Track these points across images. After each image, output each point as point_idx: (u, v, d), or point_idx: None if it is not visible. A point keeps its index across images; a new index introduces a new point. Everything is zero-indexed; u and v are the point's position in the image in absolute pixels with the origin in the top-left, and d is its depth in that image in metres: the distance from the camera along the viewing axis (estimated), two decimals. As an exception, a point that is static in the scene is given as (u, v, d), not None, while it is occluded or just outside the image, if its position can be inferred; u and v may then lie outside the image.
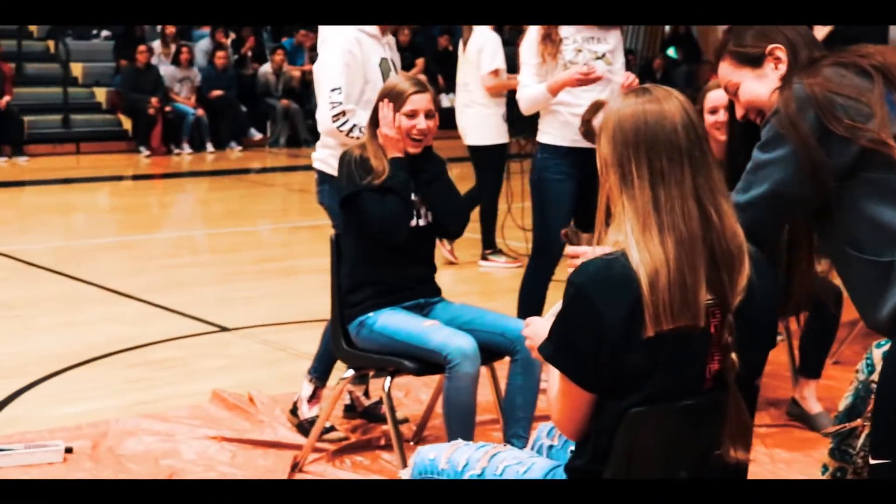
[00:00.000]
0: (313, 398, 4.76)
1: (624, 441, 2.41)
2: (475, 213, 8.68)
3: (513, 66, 6.31)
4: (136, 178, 14.35)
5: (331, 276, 4.36)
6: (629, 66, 20.15)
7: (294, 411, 4.81)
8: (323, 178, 4.82)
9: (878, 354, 3.67)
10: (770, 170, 2.66)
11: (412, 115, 4.21)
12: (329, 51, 4.70)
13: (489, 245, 8.56)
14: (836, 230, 2.68)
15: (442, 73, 18.49)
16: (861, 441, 3.73)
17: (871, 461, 2.62)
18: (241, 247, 9.53)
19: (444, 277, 7.84)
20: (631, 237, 2.35)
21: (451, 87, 18.43)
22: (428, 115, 4.25)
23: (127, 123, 15.98)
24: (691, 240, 2.34)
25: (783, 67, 2.76)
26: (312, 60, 4.86)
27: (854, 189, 2.60)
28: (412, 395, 5.28)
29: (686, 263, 2.32)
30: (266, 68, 16.92)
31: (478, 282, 8.07)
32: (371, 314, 4.20)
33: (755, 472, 4.49)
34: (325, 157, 4.80)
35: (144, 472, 4.32)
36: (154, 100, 15.21)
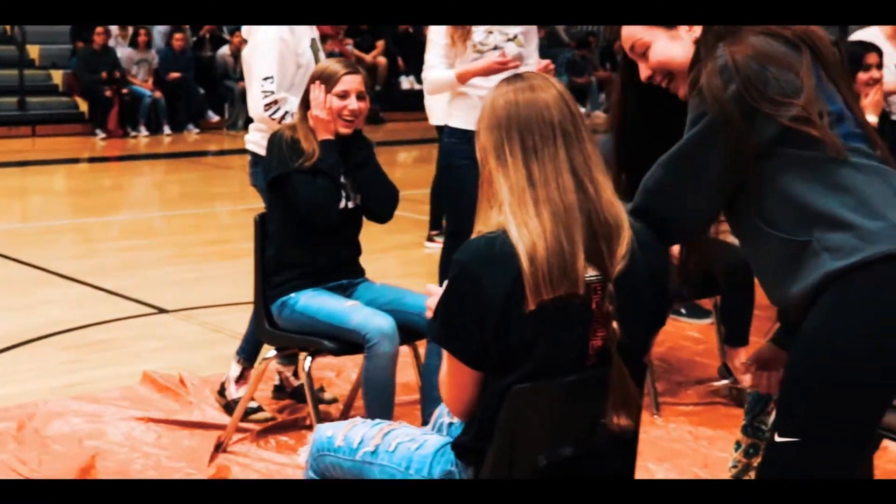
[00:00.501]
0: (241, 379, 4.78)
1: (507, 418, 2.44)
2: (422, 195, 8.72)
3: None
4: (91, 160, 14.27)
5: (254, 257, 4.38)
6: (589, 48, 19.89)
7: (222, 392, 4.83)
8: (256, 159, 4.84)
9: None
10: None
11: (344, 95, 4.23)
12: (261, 38, 4.71)
13: (436, 226, 8.57)
14: (749, 204, 2.60)
15: (402, 55, 18.50)
16: (772, 418, 3.78)
17: (778, 439, 2.58)
18: (194, 229, 9.52)
19: (389, 259, 7.90)
20: (509, 214, 2.39)
21: (411, 70, 18.47)
22: (359, 97, 4.27)
23: (83, 106, 15.89)
24: (567, 211, 2.38)
25: (698, 30, 2.66)
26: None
27: (774, 165, 2.53)
28: (344, 375, 5.31)
29: (563, 234, 2.36)
30: (224, 50, 16.86)
31: (423, 263, 8.09)
32: (293, 294, 4.22)
33: (678, 450, 4.56)
34: (258, 139, 4.82)
35: (68, 454, 4.32)
36: (104, 74, 15.13)
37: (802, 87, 2.48)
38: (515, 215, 2.38)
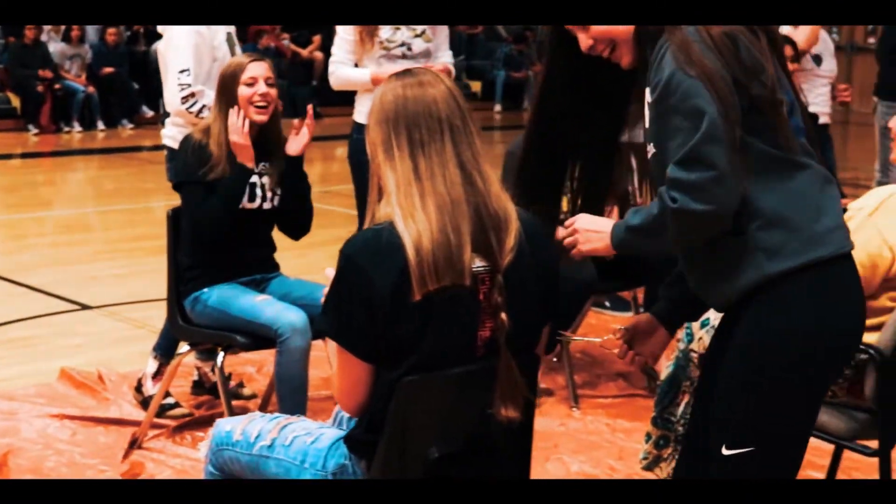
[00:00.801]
0: (157, 375, 4.75)
1: (397, 410, 2.45)
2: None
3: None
4: (24, 156, 14.10)
5: (167, 252, 4.37)
6: (526, 43, 19.87)
7: (139, 388, 4.80)
8: (172, 154, 4.82)
9: (696, 325, 3.75)
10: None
11: (252, 83, 4.22)
12: (176, 32, 4.70)
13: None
14: None
15: (339, 50, 18.46)
16: (681, 409, 3.82)
17: (726, 452, 2.49)
18: (126, 225, 9.44)
19: (318, 253, 7.87)
20: (395, 206, 2.42)
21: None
22: (268, 83, 4.26)
23: (15, 101, 15.68)
24: (454, 203, 2.41)
25: None
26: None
27: None
28: (265, 370, 5.29)
29: (449, 225, 2.39)
30: (158, 45, 16.73)
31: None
32: (206, 290, 4.22)
33: (594, 443, 4.59)
34: (175, 133, 4.80)
35: (-20, 451, 4.29)
36: (43, 72, 14.98)
37: (765, 67, 2.44)
38: (402, 207, 2.40)
